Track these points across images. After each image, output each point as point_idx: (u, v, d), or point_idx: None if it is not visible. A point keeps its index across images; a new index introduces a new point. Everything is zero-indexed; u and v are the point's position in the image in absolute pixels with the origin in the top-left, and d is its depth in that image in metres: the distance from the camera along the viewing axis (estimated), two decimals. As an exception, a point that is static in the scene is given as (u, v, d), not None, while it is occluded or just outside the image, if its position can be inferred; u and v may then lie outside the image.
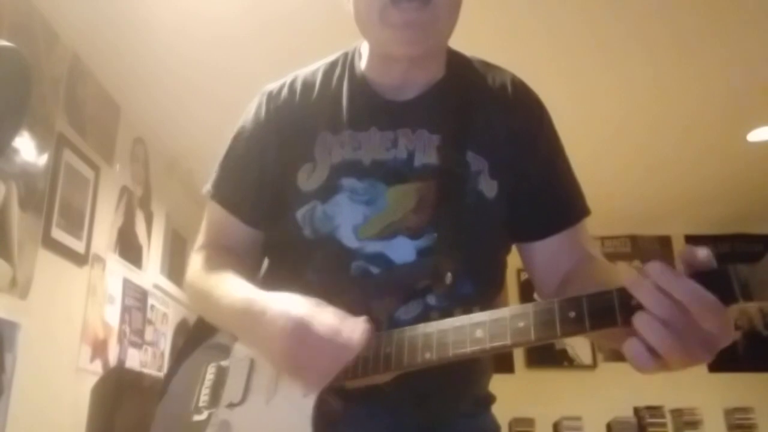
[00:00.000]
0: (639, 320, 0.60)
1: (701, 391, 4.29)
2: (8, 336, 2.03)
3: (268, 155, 0.98)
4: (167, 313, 3.50)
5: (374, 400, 0.81)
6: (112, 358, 2.78)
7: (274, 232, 0.99)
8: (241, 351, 0.92)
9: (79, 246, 2.52)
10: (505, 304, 0.77)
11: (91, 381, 2.55)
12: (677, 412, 4.23)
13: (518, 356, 4.49)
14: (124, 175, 3.00)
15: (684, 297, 0.58)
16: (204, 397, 0.92)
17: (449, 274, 0.83)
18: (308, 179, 0.93)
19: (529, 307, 0.68)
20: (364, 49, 1.00)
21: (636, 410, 4.26)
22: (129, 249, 3.03)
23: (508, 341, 0.68)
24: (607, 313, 0.63)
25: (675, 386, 4.25)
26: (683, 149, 3.43)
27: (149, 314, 3.23)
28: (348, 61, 1.01)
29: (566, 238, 0.94)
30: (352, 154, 0.92)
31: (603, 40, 2.59)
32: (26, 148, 2.18)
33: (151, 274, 3.30)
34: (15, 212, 2.10)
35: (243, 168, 1.01)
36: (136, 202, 3.13)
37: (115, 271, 2.86)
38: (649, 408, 4.23)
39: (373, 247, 0.88)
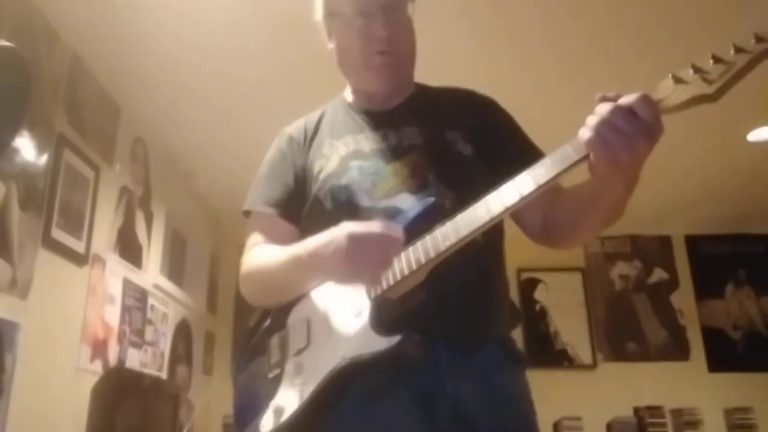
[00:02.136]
0: (582, 131, 0.90)
1: (701, 391, 4.29)
2: (8, 336, 2.03)
3: (292, 164, 1.26)
4: (167, 313, 3.51)
5: (410, 321, 0.98)
6: (112, 358, 2.78)
7: (306, 220, 1.20)
8: (296, 318, 1.12)
9: (79, 246, 2.52)
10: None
11: (91, 381, 2.54)
12: (677, 412, 4.23)
13: (518, 356, 4.49)
14: (124, 175, 3.00)
15: (622, 102, 0.87)
16: (274, 358, 1.12)
17: (448, 201, 1.05)
18: (323, 168, 1.20)
19: (506, 181, 0.95)
20: (347, 91, 1.34)
21: (636, 410, 4.24)
22: (129, 249, 3.03)
23: (511, 203, 0.93)
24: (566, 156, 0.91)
25: (675, 386, 4.25)
26: (683, 149, 3.42)
27: (149, 314, 3.23)
28: (338, 99, 1.34)
29: None
30: (355, 146, 1.21)
31: (602, 40, 2.60)
32: (26, 148, 2.18)
33: (151, 274, 3.30)
34: (15, 212, 2.11)
35: (276, 178, 1.27)
36: (136, 202, 3.14)
37: (115, 271, 2.86)
38: (649, 408, 4.22)
39: (384, 203, 1.12)
